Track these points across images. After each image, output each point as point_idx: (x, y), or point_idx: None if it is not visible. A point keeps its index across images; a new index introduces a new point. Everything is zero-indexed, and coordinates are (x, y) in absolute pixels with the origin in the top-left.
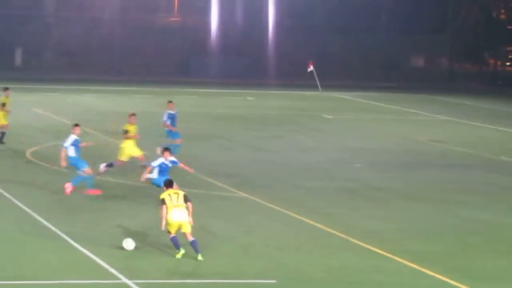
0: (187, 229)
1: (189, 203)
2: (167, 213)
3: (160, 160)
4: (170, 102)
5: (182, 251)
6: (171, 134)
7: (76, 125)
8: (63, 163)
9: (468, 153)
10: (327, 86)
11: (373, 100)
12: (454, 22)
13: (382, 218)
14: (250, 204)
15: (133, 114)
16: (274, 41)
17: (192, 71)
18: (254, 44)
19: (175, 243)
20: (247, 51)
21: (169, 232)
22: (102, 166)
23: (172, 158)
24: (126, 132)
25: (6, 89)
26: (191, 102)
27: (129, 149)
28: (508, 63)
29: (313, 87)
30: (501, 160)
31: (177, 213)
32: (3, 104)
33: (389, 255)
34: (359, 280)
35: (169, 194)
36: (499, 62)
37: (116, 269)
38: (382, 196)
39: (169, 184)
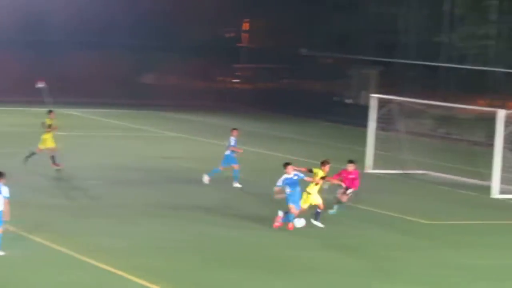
0: None
1: None
2: None
3: (284, 176)
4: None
5: None
6: (231, 159)
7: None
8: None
9: (198, 169)
10: (60, 103)
11: (104, 117)
12: (184, 40)
13: (115, 235)
14: None
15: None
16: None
17: None
18: None
19: None
20: None
21: None
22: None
23: (296, 172)
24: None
25: (50, 111)
26: None
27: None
28: (236, 81)
29: (43, 104)
30: (226, 174)
31: None
32: (49, 126)
33: (119, 272)
34: None
35: None
36: (227, 80)
37: None
38: (115, 212)
39: None
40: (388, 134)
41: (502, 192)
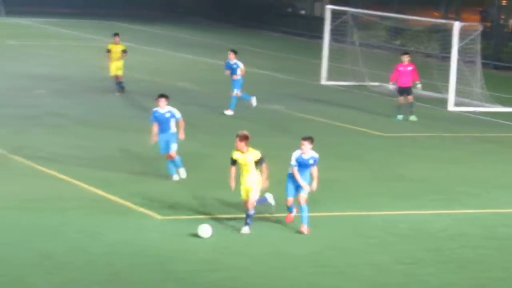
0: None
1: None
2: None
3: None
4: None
5: None
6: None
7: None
8: None
9: (149, 80)
10: (11, 12)
11: (55, 26)
12: None
13: (66, 145)
14: None
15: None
16: None
17: None
18: None
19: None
20: None
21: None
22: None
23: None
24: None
25: (115, 34)
26: None
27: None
28: None
29: None
30: (179, 86)
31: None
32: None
33: (74, 181)
34: (45, 206)
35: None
36: None
37: None
38: (65, 123)
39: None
40: (343, 46)
41: (457, 104)
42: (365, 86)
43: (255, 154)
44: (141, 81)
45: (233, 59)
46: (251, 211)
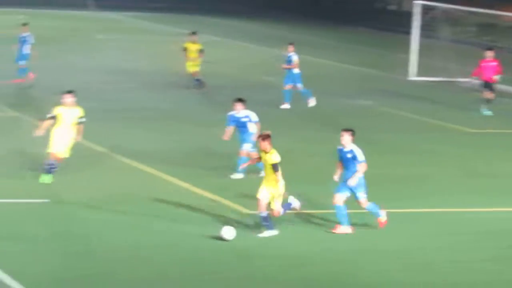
0: None
1: None
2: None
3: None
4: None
5: None
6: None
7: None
8: None
9: (234, 74)
10: (103, 7)
11: (145, 20)
12: None
13: (156, 139)
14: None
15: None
16: None
17: None
18: None
19: None
20: None
21: None
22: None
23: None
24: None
25: (193, 33)
26: None
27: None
28: None
29: (85, 7)
30: (264, 81)
31: None
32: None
33: (164, 176)
34: (135, 201)
35: None
36: None
37: None
38: (155, 117)
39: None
40: (432, 41)
41: None
42: (453, 82)
43: (273, 158)
44: (226, 75)
45: (289, 52)
46: (264, 214)
